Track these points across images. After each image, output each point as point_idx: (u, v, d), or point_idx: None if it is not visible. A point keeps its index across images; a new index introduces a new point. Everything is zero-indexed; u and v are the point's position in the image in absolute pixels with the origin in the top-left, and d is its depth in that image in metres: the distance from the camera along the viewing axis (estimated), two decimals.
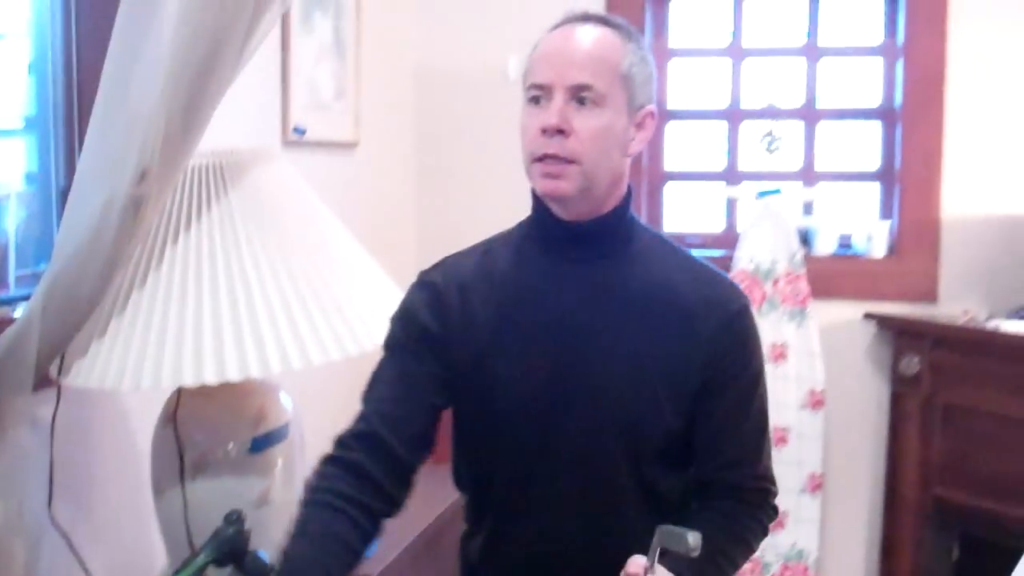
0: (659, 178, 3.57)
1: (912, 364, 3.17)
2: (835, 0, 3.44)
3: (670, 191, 3.60)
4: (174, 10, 1.57)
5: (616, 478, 1.63)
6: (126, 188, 1.59)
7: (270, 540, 1.79)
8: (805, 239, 3.39)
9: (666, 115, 3.51)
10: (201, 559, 1.66)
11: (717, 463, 1.67)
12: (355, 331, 1.75)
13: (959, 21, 3.27)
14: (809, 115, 3.49)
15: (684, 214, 3.63)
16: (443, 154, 3.57)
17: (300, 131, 2.73)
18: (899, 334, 3.24)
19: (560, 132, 1.55)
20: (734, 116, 3.54)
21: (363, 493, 1.58)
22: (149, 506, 1.89)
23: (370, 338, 1.76)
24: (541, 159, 1.57)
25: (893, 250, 3.36)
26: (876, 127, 3.46)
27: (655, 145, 3.54)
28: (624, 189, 1.65)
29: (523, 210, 1.70)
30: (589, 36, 1.59)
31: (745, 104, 3.52)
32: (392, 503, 1.63)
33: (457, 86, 3.54)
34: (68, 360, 1.73)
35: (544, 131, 1.55)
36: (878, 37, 3.44)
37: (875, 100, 3.45)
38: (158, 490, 1.84)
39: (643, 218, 3.07)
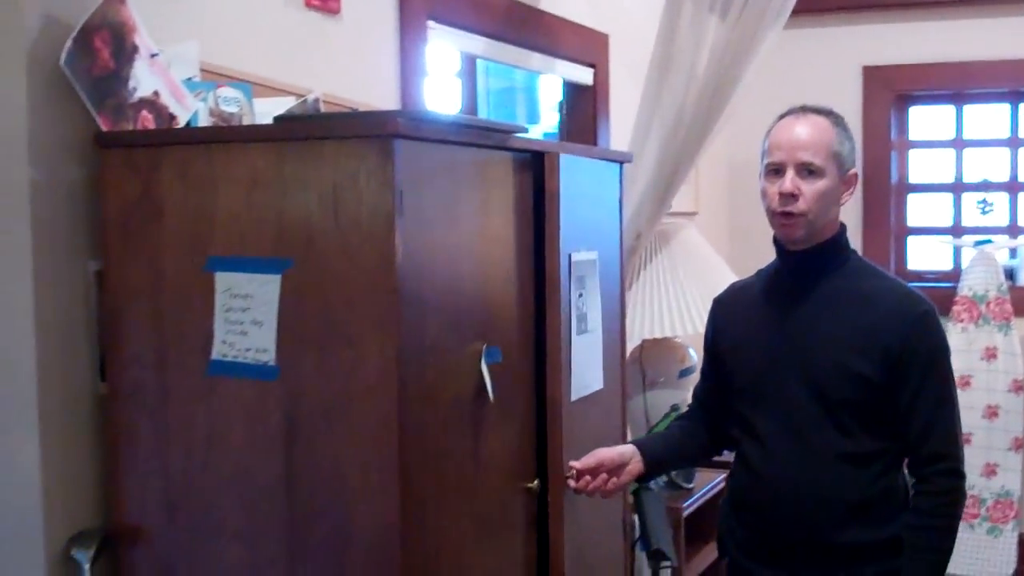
0: (903, 232, 5.07)
1: None
2: None
3: (913, 242, 5.10)
4: (655, 149, 3.28)
5: (813, 422, 2.10)
6: (630, 242, 3.29)
7: None
8: (1010, 275, 4.81)
9: (906, 188, 5.01)
10: (664, 422, 3.34)
11: (909, 438, 2.08)
12: None
13: None
14: (1012, 187, 4.92)
15: (922, 257, 5.14)
16: (751, 217, 5.16)
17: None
18: None
19: (793, 196, 2.06)
20: (957, 188, 5.01)
21: (699, 430, 2.35)
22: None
23: None
24: (781, 214, 2.08)
25: None
26: None
27: (900, 208, 5.03)
28: (837, 226, 2.15)
29: None
30: (811, 125, 2.09)
31: (967, 179, 5.00)
32: (709, 449, 2.38)
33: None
34: None
35: (782, 195, 2.06)
36: None
37: None
38: (629, 397, 3.51)
39: (892, 261, 4.62)
